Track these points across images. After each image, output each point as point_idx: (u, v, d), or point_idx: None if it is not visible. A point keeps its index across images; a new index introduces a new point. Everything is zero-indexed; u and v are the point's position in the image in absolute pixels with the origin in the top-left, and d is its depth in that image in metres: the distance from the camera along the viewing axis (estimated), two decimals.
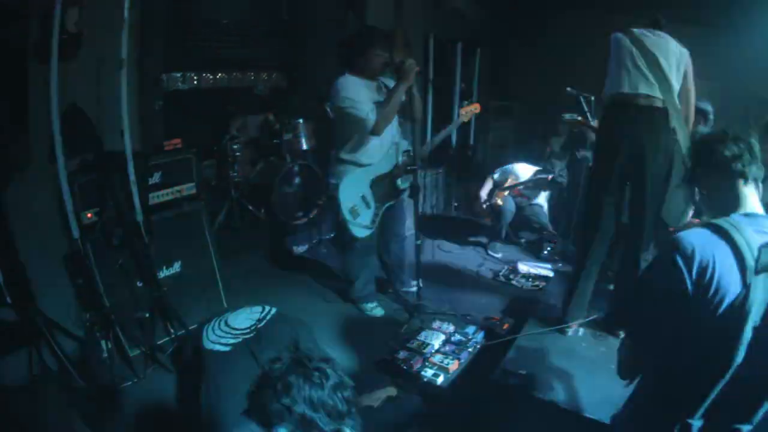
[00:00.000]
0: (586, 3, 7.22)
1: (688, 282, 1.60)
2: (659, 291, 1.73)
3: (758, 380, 1.60)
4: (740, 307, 1.54)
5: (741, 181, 1.73)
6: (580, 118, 4.71)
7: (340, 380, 2.07)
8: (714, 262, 1.58)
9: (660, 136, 3.37)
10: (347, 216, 4.02)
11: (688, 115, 3.51)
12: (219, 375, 2.25)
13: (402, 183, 4.27)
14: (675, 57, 3.39)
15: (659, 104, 3.33)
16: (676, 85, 3.38)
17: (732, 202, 1.74)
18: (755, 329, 1.54)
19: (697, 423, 1.68)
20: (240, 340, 2.39)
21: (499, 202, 6.17)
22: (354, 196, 4.05)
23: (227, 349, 2.35)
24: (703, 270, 1.59)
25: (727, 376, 1.58)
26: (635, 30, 3.41)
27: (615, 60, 3.44)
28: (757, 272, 1.53)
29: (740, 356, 1.55)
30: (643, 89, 3.32)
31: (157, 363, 3.51)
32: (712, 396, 1.62)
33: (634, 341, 1.85)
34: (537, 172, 6.09)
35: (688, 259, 1.60)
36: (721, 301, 1.57)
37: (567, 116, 5.13)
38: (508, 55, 8.94)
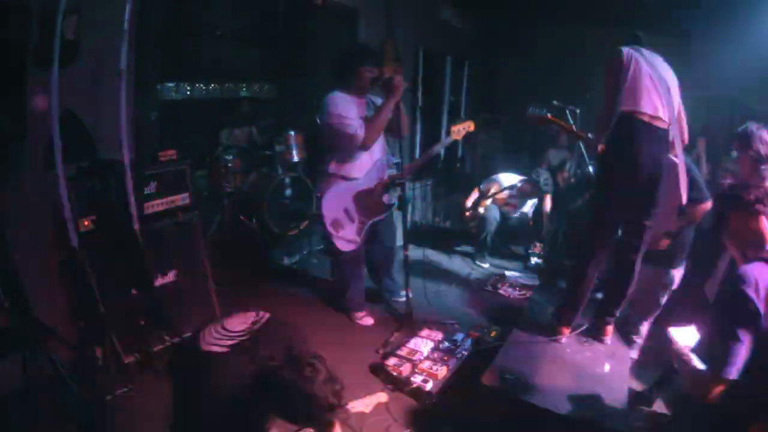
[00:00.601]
0: (573, 18, 7.35)
1: (757, 304, 1.95)
2: (738, 317, 2.03)
3: None
4: None
5: None
6: (549, 115, 4.41)
7: (330, 375, 2.17)
8: None
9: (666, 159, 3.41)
10: (330, 229, 4.10)
11: (684, 140, 3.53)
12: (216, 375, 2.31)
13: (389, 200, 4.32)
14: (675, 84, 3.42)
15: (667, 128, 3.34)
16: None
17: None
18: None
19: None
20: (236, 341, 2.46)
21: (481, 210, 6.25)
22: (337, 209, 4.13)
23: (224, 350, 2.42)
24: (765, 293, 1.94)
25: None
26: (643, 50, 3.34)
27: (631, 77, 3.28)
28: None
29: None
30: (660, 113, 3.29)
31: (152, 370, 3.53)
32: None
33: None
34: (521, 181, 6.18)
35: (755, 288, 1.95)
36: None
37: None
38: (496, 68, 9.06)
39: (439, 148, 4.67)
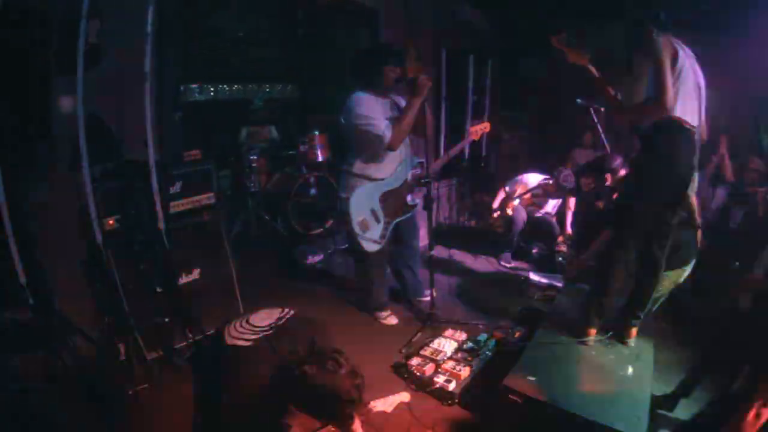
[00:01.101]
0: (597, 14, 7.26)
1: None
2: None
3: None
4: None
5: None
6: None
7: (352, 368, 2.20)
8: None
9: None
10: (357, 230, 4.07)
11: (703, 139, 3.44)
12: (241, 367, 2.35)
13: (412, 200, 4.33)
14: (704, 84, 3.34)
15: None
16: None
17: None
18: None
19: None
20: (261, 336, 2.49)
21: (509, 212, 6.23)
22: (364, 210, 4.10)
23: (248, 344, 2.45)
24: None
25: None
26: (682, 44, 3.22)
27: (682, 79, 3.15)
28: None
29: None
30: (698, 121, 3.25)
31: (175, 367, 3.57)
32: None
33: None
34: (544, 180, 6.15)
35: None
36: None
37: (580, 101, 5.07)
38: (518, 66, 9.00)
39: (459, 149, 4.64)
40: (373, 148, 3.97)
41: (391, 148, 3.91)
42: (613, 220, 3.68)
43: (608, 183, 5.07)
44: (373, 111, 3.87)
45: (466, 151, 8.41)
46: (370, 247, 4.15)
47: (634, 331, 3.64)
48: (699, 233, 4.03)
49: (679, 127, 3.16)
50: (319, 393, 2.16)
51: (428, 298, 4.41)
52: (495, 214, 6.49)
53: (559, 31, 3.52)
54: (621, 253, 3.45)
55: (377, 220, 4.16)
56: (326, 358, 2.24)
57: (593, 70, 3.55)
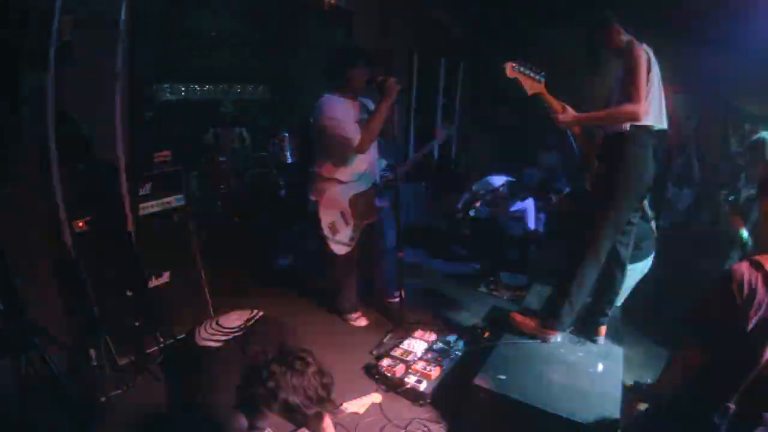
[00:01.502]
0: (568, 19, 7.37)
1: (738, 299, 2.07)
2: (719, 308, 2.18)
3: None
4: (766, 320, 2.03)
5: None
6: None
7: (320, 368, 2.23)
8: (754, 286, 2.06)
9: None
10: (326, 232, 4.08)
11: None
12: (212, 368, 2.36)
13: (381, 202, 4.33)
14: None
15: None
16: None
17: None
18: None
19: (732, 407, 2.12)
20: (230, 337, 2.51)
21: (471, 213, 6.29)
22: (333, 212, 4.10)
23: (219, 345, 2.47)
24: (746, 290, 2.07)
25: (756, 369, 2.06)
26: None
27: (654, 86, 3.15)
28: None
29: (765, 355, 2.03)
30: (667, 124, 3.29)
31: (147, 371, 3.54)
32: (745, 383, 2.09)
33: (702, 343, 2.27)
34: (509, 182, 6.23)
35: (739, 284, 2.08)
36: (755, 314, 2.04)
37: None
38: (490, 70, 9.07)
39: (426, 151, 4.68)
40: (341, 151, 3.96)
41: (360, 150, 3.90)
42: (581, 225, 3.68)
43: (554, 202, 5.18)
44: (341, 113, 3.86)
45: (435, 152, 8.48)
46: (340, 249, 4.16)
47: (603, 329, 3.70)
48: (652, 224, 4.25)
49: (648, 134, 3.22)
50: (287, 393, 2.18)
51: (398, 299, 4.42)
52: (458, 215, 6.55)
53: (512, 60, 3.44)
54: (593, 257, 3.45)
55: (346, 223, 4.16)
56: (294, 357, 2.27)
57: (551, 100, 3.43)
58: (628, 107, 3.07)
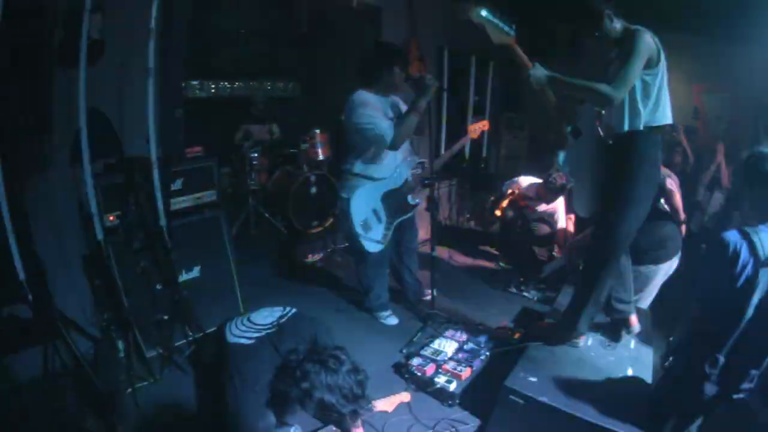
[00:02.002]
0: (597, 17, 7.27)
1: (728, 264, 2.32)
2: (711, 269, 2.49)
3: (764, 337, 2.28)
4: (751, 283, 2.27)
5: None
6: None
7: (354, 365, 2.19)
8: (739, 250, 2.30)
9: None
10: (359, 230, 4.05)
11: None
12: (242, 365, 2.34)
13: (413, 199, 4.29)
14: None
15: None
16: None
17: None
18: (759, 300, 2.27)
19: (721, 358, 2.36)
20: (263, 334, 2.47)
21: (498, 213, 6.22)
22: (366, 210, 4.08)
23: (250, 342, 2.44)
24: (734, 256, 2.31)
25: (741, 326, 2.30)
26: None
27: (660, 81, 3.04)
28: (763, 265, 2.25)
29: (749, 314, 2.28)
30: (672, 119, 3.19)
31: (174, 364, 3.56)
32: (733, 337, 2.33)
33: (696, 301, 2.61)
34: (538, 183, 6.14)
35: (726, 249, 2.33)
36: (740, 276, 2.29)
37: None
38: (520, 68, 8.98)
39: (458, 147, 4.62)
40: (374, 148, 3.94)
41: (393, 147, 3.87)
42: (598, 227, 3.58)
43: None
44: (375, 110, 3.83)
45: (467, 151, 8.41)
46: (372, 247, 4.13)
47: (633, 317, 3.63)
48: (683, 228, 4.24)
49: (660, 132, 3.14)
50: (322, 392, 2.15)
51: (429, 298, 4.41)
52: (490, 215, 6.51)
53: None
54: (612, 258, 3.34)
55: (379, 220, 4.14)
56: (328, 356, 2.24)
57: (521, 54, 3.23)
58: (609, 89, 2.91)
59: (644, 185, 3.18)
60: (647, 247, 3.94)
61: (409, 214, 4.33)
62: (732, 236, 2.38)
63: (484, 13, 3.08)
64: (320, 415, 2.28)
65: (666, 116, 3.11)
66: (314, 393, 2.15)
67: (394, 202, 4.18)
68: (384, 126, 3.79)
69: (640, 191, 3.18)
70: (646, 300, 4.21)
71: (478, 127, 4.50)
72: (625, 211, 3.22)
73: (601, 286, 3.40)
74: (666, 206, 4.23)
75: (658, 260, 3.98)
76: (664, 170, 3.81)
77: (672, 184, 4.10)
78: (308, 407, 2.21)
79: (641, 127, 3.04)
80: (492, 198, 6.49)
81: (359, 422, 2.54)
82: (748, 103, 6.33)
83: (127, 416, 3.13)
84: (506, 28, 3.17)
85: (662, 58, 3.00)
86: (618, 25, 3.09)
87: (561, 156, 6.34)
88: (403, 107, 4.03)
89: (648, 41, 2.93)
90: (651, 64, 2.96)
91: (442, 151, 7.55)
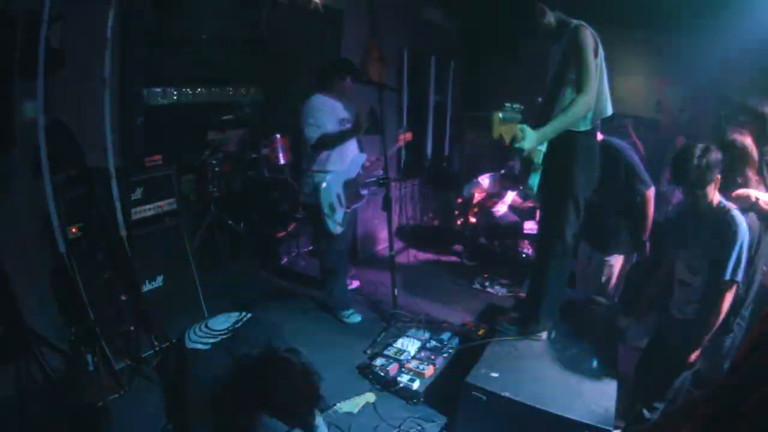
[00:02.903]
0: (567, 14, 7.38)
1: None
2: None
3: None
4: None
5: None
6: None
7: (306, 367, 2.26)
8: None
9: None
10: (326, 210, 4.32)
11: None
12: (201, 372, 2.39)
13: (362, 190, 4.69)
14: None
15: None
16: None
17: None
18: None
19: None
20: (218, 339, 2.54)
21: (472, 219, 6.33)
22: (332, 193, 4.38)
23: (207, 347, 2.50)
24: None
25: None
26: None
27: (601, 73, 3.11)
28: None
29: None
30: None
31: (143, 375, 3.56)
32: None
33: None
34: (498, 175, 6.27)
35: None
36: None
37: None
38: (481, 67, 9.09)
39: (392, 152, 5.14)
40: (326, 145, 4.28)
41: (323, 146, 4.26)
42: (544, 221, 3.67)
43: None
44: (322, 111, 4.26)
45: (428, 149, 8.53)
46: (334, 228, 4.41)
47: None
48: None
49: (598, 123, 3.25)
50: (275, 392, 2.21)
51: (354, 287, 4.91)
52: (458, 221, 6.63)
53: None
54: (562, 247, 3.41)
55: (341, 204, 4.45)
56: (279, 358, 2.30)
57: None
58: (581, 98, 2.98)
59: (581, 175, 3.27)
60: (608, 237, 4.07)
61: (360, 203, 4.77)
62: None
63: (501, 115, 3.08)
64: (277, 416, 2.34)
65: (607, 108, 3.20)
66: (267, 394, 2.21)
67: (351, 191, 4.54)
68: (330, 127, 4.25)
69: (578, 181, 3.27)
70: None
71: (402, 138, 5.11)
72: (564, 200, 3.31)
73: (554, 277, 3.48)
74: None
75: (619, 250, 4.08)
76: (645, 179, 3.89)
77: (651, 193, 3.98)
78: (263, 409, 2.27)
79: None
80: (459, 202, 6.59)
81: (321, 422, 2.61)
82: (708, 94, 6.51)
83: (99, 429, 3.13)
84: (518, 113, 3.10)
85: (601, 51, 3.07)
86: (552, 18, 3.19)
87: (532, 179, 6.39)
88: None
89: (589, 35, 3.02)
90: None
91: (403, 151, 7.67)
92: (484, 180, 6.48)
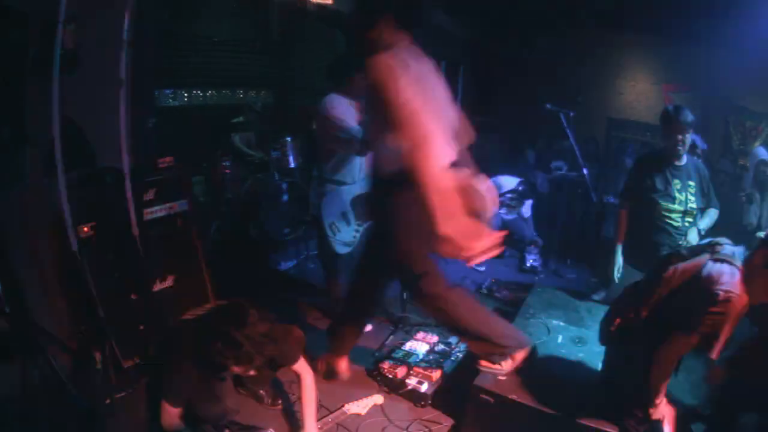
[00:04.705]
0: (563, 23, 7.38)
1: None
2: None
3: None
4: None
5: None
6: None
7: (258, 313, 2.72)
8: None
9: None
10: (328, 232, 4.14)
11: None
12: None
13: None
14: None
15: None
16: None
17: None
18: None
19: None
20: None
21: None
22: (335, 212, 4.15)
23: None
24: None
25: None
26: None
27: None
28: None
29: None
30: None
31: (150, 374, 3.58)
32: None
33: None
34: (519, 183, 6.22)
35: None
36: None
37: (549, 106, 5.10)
38: (490, 72, 9.10)
39: None
40: (341, 151, 4.04)
41: (361, 152, 3.97)
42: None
43: None
44: (343, 113, 3.92)
45: None
46: (341, 249, 4.21)
47: None
48: None
49: None
50: (243, 346, 2.53)
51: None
52: None
53: None
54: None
55: (348, 223, 4.20)
56: (235, 313, 2.66)
57: None
58: None
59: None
60: None
61: None
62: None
63: None
64: (255, 368, 2.71)
65: None
66: (234, 348, 2.52)
67: (363, 206, 4.23)
68: (351, 129, 3.88)
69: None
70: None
71: None
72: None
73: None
74: None
75: None
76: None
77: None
78: (238, 363, 2.57)
79: None
80: None
81: (303, 365, 3.04)
82: (718, 103, 6.49)
83: (107, 428, 3.14)
84: None
85: None
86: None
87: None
88: None
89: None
90: None
91: None
92: (503, 180, 6.40)
